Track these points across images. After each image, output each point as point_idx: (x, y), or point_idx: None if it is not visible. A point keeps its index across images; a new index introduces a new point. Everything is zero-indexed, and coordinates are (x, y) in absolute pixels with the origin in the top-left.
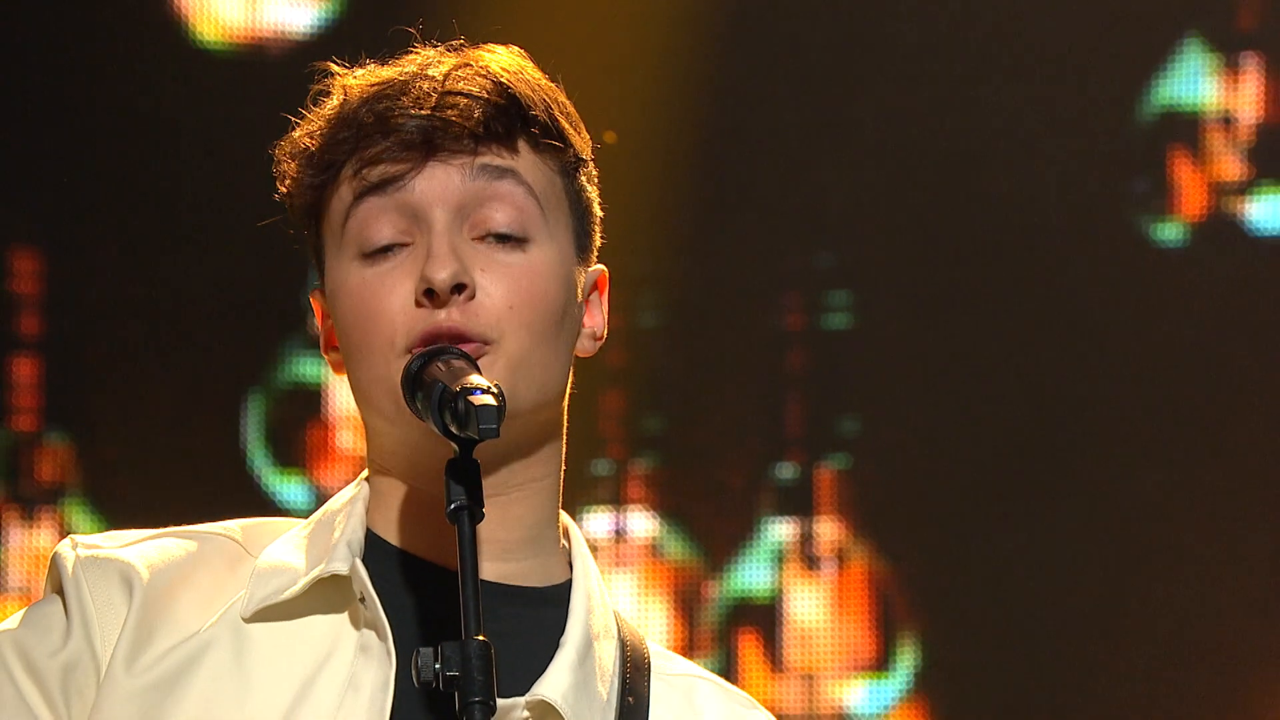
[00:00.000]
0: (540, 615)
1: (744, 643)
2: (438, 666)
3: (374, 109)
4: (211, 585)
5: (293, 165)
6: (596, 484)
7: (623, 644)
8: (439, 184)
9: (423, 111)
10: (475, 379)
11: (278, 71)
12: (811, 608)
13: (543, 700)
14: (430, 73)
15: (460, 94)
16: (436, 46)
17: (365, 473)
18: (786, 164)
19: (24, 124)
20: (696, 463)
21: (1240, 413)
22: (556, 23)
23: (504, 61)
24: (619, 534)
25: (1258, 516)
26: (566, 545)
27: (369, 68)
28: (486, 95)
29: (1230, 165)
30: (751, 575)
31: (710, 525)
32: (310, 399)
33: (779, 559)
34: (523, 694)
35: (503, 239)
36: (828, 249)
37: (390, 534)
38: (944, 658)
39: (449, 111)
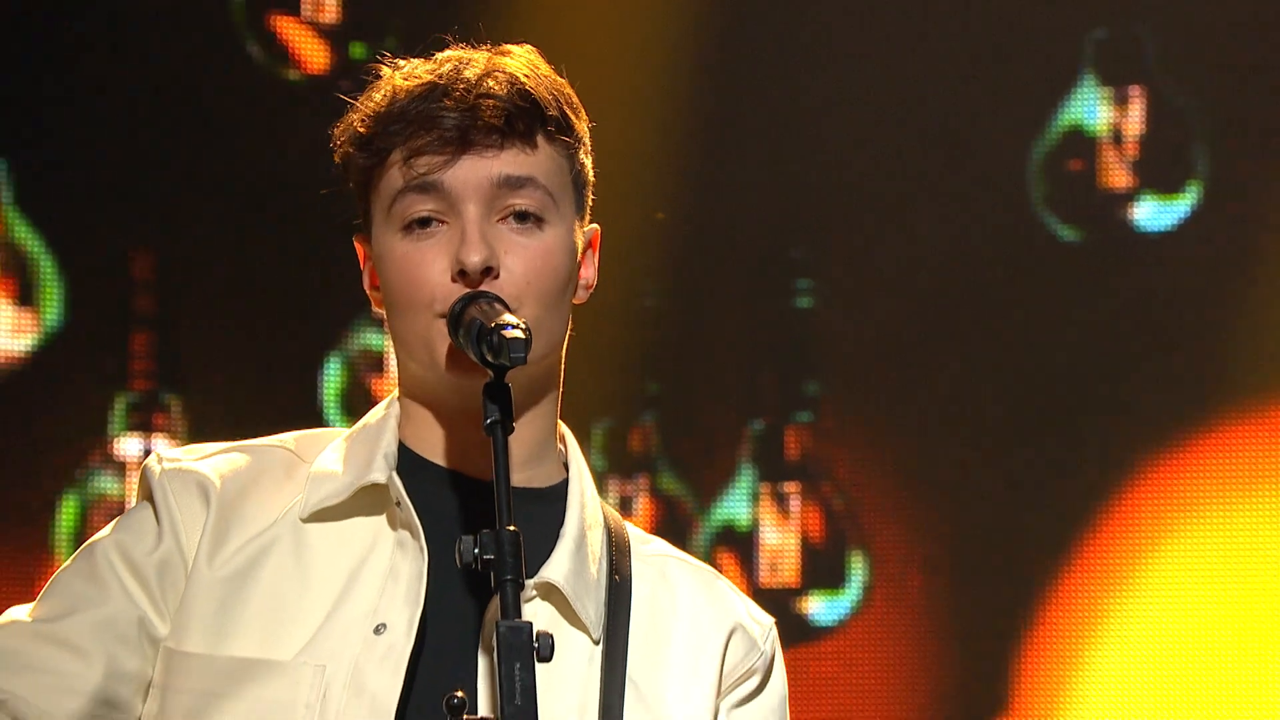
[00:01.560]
0: (542, 511)
1: (725, 564)
2: (476, 551)
3: (419, 107)
4: (272, 489)
5: (348, 144)
6: (607, 435)
7: (608, 531)
8: (472, 175)
9: (459, 112)
10: (507, 317)
11: (333, 99)
12: (780, 536)
13: (547, 582)
14: (465, 74)
15: (490, 96)
16: (466, 46)
17: (395, 393)
18: (764, 178)
19: (142, 151)
20: (688, 419)
21: (1124, 370)
22: (558, 34)
23: (524, 65)
24: (627, 475)
25: (1150, 463)
26: (564, 450)
27: (412, 64)
28: (511, 98)
29: (1119, 176)
30: (732, 509)
31: (699, 469)
32: (375, 362)
33: (754, 497)
34: (530, 577)
35: (522, 219)
36: (796, 245)
37: (419, 447)
38: (889, 576)
39: (481, 112)
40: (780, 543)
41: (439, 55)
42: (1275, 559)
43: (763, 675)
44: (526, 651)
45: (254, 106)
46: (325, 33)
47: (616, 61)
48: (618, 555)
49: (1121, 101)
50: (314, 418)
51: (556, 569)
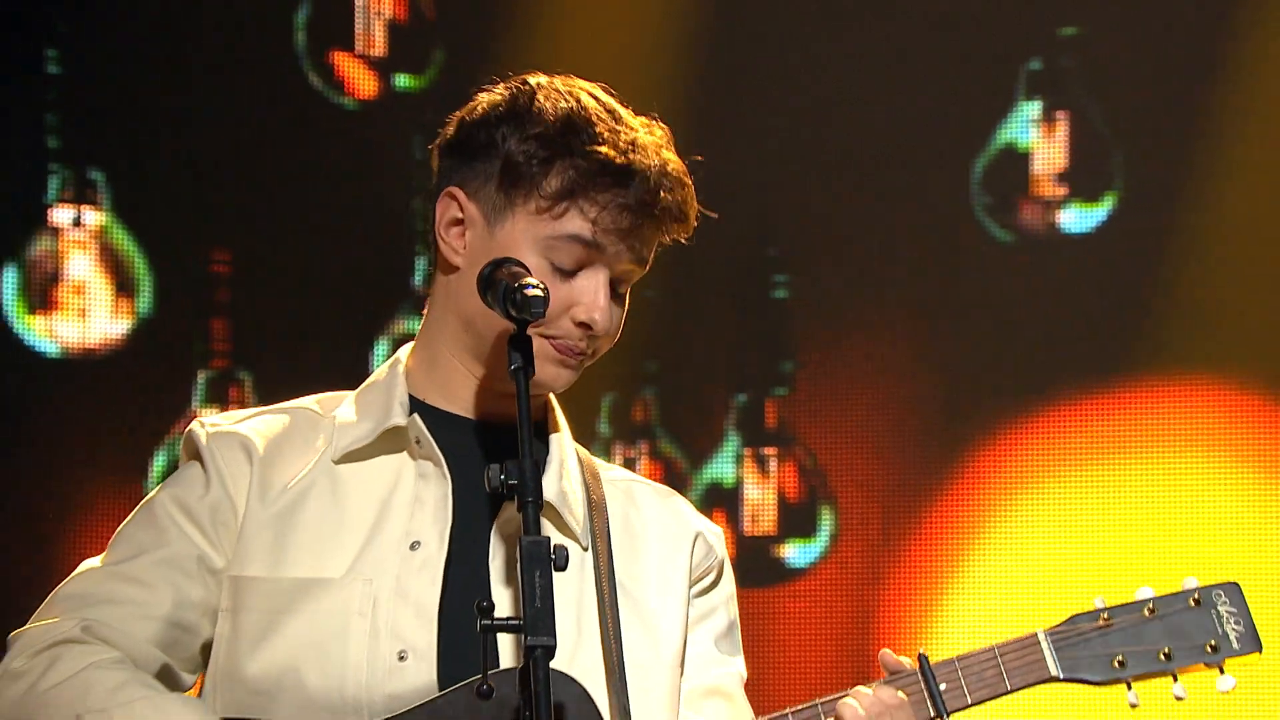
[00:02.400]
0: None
1: (714, 517)
2: (502, 477)
3: (626, 190)
4: (303, 442)
5: (533, 143)
6: (612, 407)
7: (580, 460)
8: (622, 259)
9: (643, 211)
10: (528, 279)
11: (391, 119)
12: (761, 493)
13: (545, 501)
14: (662, 181)
15: (668, 192)
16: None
17: (397, 355)
18: (746, 190)
19: (219, 164)
20: (681, 393)
21: (1046, 350)
22: (565, 50)
23: (683, 171)
24: (630, 441)
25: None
26: (548, 397)
27: (621, 124)
28: (677, 209)
29: (1047, 187)
30: (719, 470)
31: (691, 435)
32: None
33: (738, 459)
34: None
35: (619, 292)
36: (774, 246)
37: (426, 396)
38: (851, 526)
39: (658, 219)
40: (760, 498)
41: (632, 132)
42: (1111, 518)
43: (718, 571)
44: (545, 561)
45: (314, 127)
46: (373, 64)
47: (616, 72)
48: (591, 479)
49: (1050, 123)
50: None
51: (548, 488)
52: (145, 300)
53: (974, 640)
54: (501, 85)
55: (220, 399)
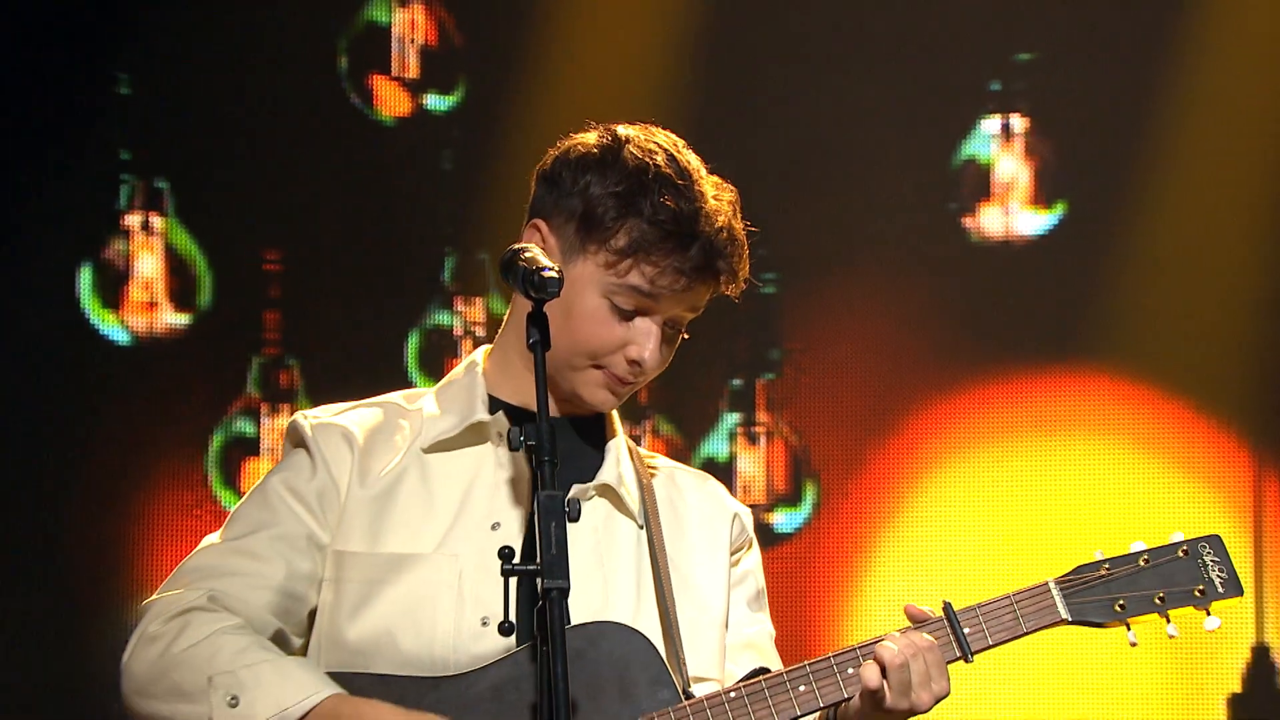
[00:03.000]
0: (592, 429)
1: None
2: (522, 438)
3: (680, 256)
4: (394, 432)
5: (612, 201)
6: (634, 411)
7: (629, 449)
8: (676, 307)
9: (698, 270)
10: (544, 261)
11: (422, 135)
12: (752, 466)
13: (604, 483)
14: (714, 257)
15: (724, 260)
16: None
17: (473, 357)
18: (740, 196)
19: (271, 174)
20: (681, 378)
21: (999, 332)
22: (580, 82)
23: (739, 231)
24: (635, 421)
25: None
26: None
27: (671, 176)
28: (729, 273)
29: (1005, 194)
30: (715, 446)
31: (690, 415)
32: (446, 338)
33: (732, 436)
34: (589, 482)
35: (675, 329)
36: (763, 247)
37: (502, 394)
38: (831, 496)
39: (712, 277)
40: (752, 471)
41: (699, 190)
42: (1033, 488)
43: (749, 545)
44: (560, 514)
45: (354, 141)
46: (407, 85)
47: (619, 101)
48: (640, 465)
49: (1008, 138)
50: (400, 376)
51: (608, 473)
52: (205, 295)
53: (940, 586)
54: (596, 131)
55: (271, 383)
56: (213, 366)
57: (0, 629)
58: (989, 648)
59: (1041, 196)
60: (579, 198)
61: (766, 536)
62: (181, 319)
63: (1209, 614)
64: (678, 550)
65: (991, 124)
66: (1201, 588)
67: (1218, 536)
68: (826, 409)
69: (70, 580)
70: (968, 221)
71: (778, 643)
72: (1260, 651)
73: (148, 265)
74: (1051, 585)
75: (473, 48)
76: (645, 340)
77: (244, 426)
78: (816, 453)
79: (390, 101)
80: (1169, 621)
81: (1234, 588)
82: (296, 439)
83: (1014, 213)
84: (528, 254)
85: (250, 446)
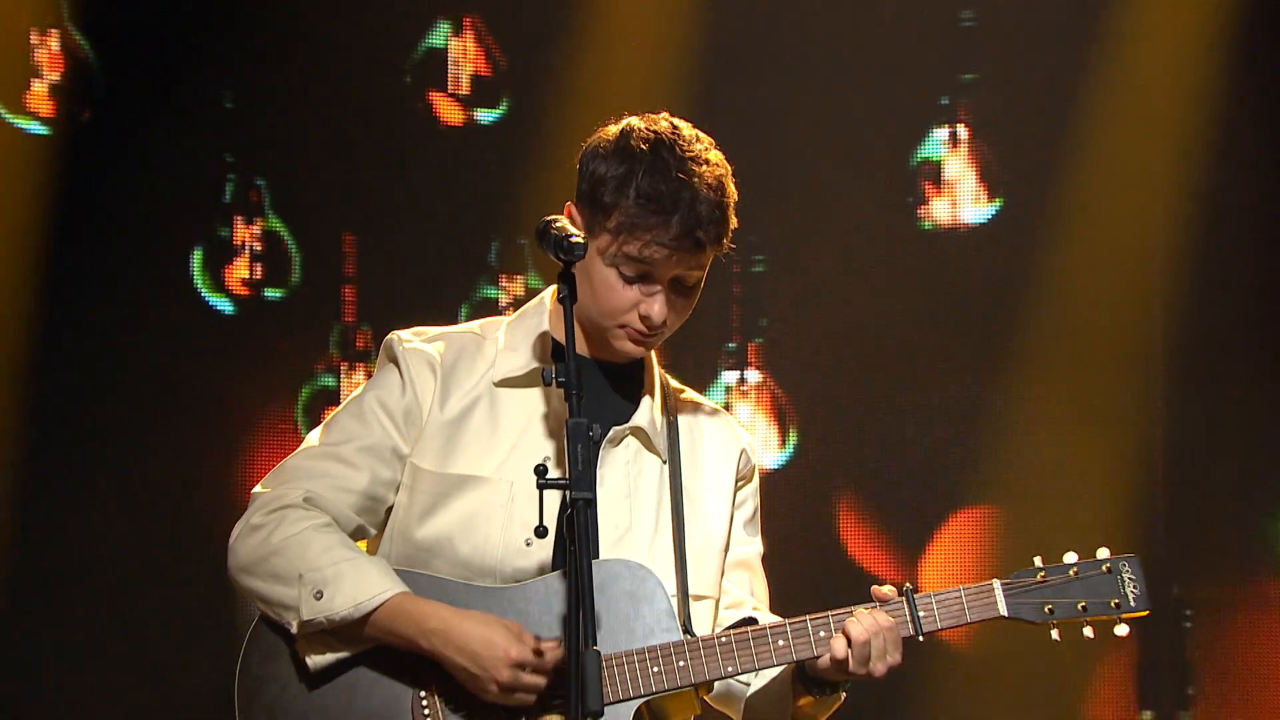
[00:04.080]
0: (630, 376)
1: None
2: (555, 375)
3: (667, 221)
4: (471, 361)
5: (615, 186)
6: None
7: (664, 389)
8: (670, 271)
9: (684, 236)
10: (571, 229)
11: (472, 142)
12: (745, 415)
13: (637, 426)
14: (699, 211)
15: (708, 224)
16: (682, 130)
17: (543, 296)
18: (749, 226)
19: (348, 171)
20: (686, 342)
21: (949, 308)
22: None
23: (727, 194)
24: None
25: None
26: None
27: (665, 153)
28: (714, 232)
29: (953, 190)
30: (714, 398)
31: (693, 374)
32: (492, 308)
33: (728, 390)
34: (623, 424)
35: (684, 290)
36: (753, 234)
37: (559, 335)
38: (809, 439)
39: (696, 241)
40: (744, 419)
41: (683, 160)
42: (968, 419)
43: (751, 473)
44: (585, 437)
45: (416, 146)
46: (460, 100)
47: (632, 93)
48: (672, 402)
49: (955, 144)
50: None
51: (642, 417)
52: (295, 273)
53: (893, 511)
54: (616, 123)
55: (348, 345)
56: (301, 332)
57: (150, 542)
58: (937, 630)
59: (983, 191)
60: (588, 182)
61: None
62: (275, 293)
63: (1120, 621)
64: (693, 481)
65: (941, 132)
66: (1117, 601)
67: (1136, 557)
68: (806, 367)
69: (197, 504)
70: (922, 211)
71: (768, 559)
72: (1158, 565)
73: (248, 248)
74: (996, 585)
75: (514, 71)
76: (651, 301)
77: (326, 381)
78: (799, 404)
79: (446, 113)
80: (1087, 625)
81: (1143, 603)
82: (391, 356)
83: (960, 205)
84: (558, 224)
85: (331, 397)
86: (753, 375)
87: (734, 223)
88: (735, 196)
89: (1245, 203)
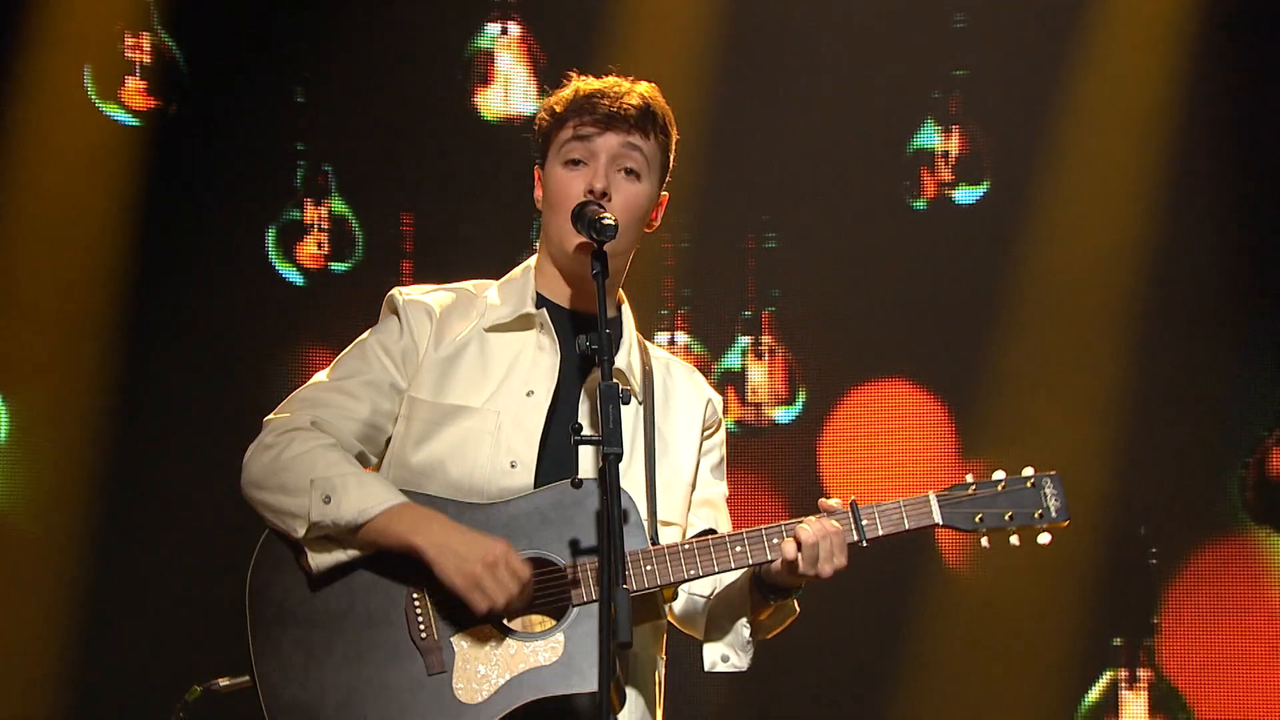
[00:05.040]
0: (611, 327)
1: (728, 392)
2: (587, 343)
3: (589, 100)
4: (464, 312)
5: (545, 113)
6: (661, 319)
7: (639, 343)
8: (607, 142)
9: (610, 107)
10: (605, 213)
11: (513, 131)
12: (759, 375)
13: (617, 368)
14: (614, 91)
15: (628, 102)
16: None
17: (530, 260)
18: (747, 177)
19: (406, 159)
20: (706, 309)
21: (938, 276)
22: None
23: (649, 90)
24: (671, 342)
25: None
26: (621, 299)
27: (587, 78)
28: (639, 106)
29: (946, 174)
30: (732, 361)
31: (713, 338)
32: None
33: (744, 353)
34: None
35: (629, 173)
36: (766, 214)
37: (547, 292)
38: (816, 396)
39: (622, 110)
40: (758, 379)
41: (606, 78)
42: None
43: (718, 424)
44: (616, 399)
45: (465, 136)
46: (502, 96)
47: (660, 74)
48: (645, 354)
49: (947, 132)
50: None
51: (620, 360)
52: (359, 249)
53: (884, 457)
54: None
55: None
56: (363, 301)
57: (225, 499)
58: (880, 537)
59: (972, 176)
60: (537, 127)
61: (770, 427)
62: (341, 266)
63: (1043, 531)
64: (665, 422)
65: (934, 122)
66: (1040, 512)
67: (1057, 474)
68: (814, 332)
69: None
70: (919, 193)
71: (777, 500)
72: (1128, 501)
73: (316, 227)
74: (931, 497)
75: (551, 69)
76: (595, 172)
77: None
78: (806, 365)
79: (490, 106)
80: (1014, 533)
81: (1064, 515)
82: (392, 307)
83: (952, 187)
84: (592, 207)
85: None
86: (766, 340)
87: (671, 130)
88: (666, 106)
89: (1209, 189)
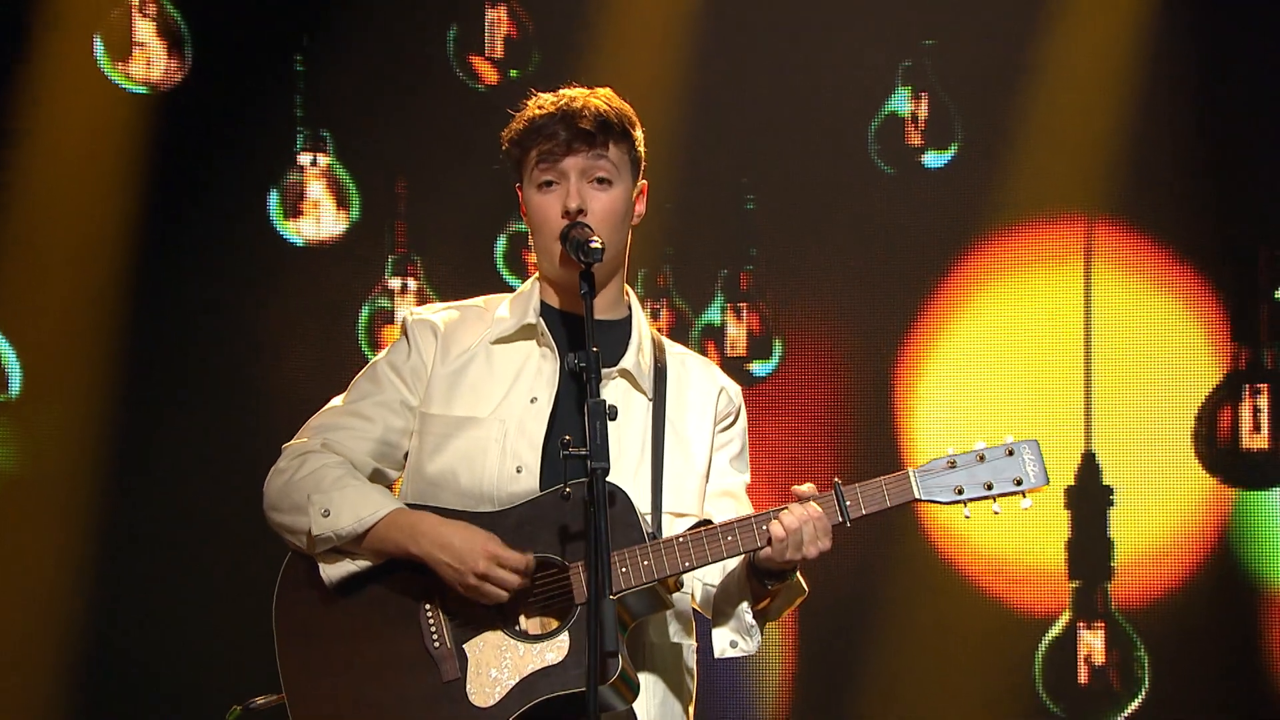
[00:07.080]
0: (617, 330)
1: (709, 346)
2: (575, 360)
3: (547, 125)
4: (472, 326)
5: (509, 142)
6: (645, 278)
7: (653, 341)
8: (574, 162)
9: (568, 130)
10: (591, 234)
11: (506, 98)
12: (737, 330)
13: (623, 368)
14: (573, 107)
15: (585, 120)
16: (574, 86)
17: (534, 278)
18: (728, 145)
19: (412, 127)
20: (687, 268)
21: (912, 235)
22: (608, 57)
23: (603, 99)
24: (655, 298)
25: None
26: (628, 300)
27: (542, 98)
28: (595, 121)
29: (915, 138)
30: (711, 316)
31: (694, 294)
32: (524, 241)
33: (723, 309)
34: (613, 366)
35: (601, 182)
36: (745, 177)
37: (551, 301)
38: (792, 351)
39: (580, 131)
40: (737, 333)
41: (560, 92)
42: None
43: (735, 414)
44: (603, 415)
45: (458, 103)
46: (495, 63)
47: (647, 69)
48: (659, 352)
49: (917, 99)
50: (491, 268)
51: (628, 360)
52: (355, 211)
53: (859, 409)
54: None
55: (402, 273)
56: (361, 261)
57: (226, 449)
58: (863, 516)
59: (941, 140)
60: (505, 153)
61: (747, 380)
62: (339, 227)
63: (1024, 497)
64: (677, 413)
65: (905, 89)
66: (1019, 478)
67: (1036, 441)
68: (788, 289)
69: (270, 417)
70: (890, 157)
71: (755, 456)
72: (1087, 456)
73: (315, 190)
74: (911, 473)
75: (542, 34)
76: (568, 192)
77: (383, 303)
78: (783, 320)
79: (483, 74)
80: (994, 501)
81: (1042, 478)
82: (403, 330)
83: (921, 152)
84: (577, 230)
85: (387, 317)
86: (743, 297)
87: (634, 130)
88: (626, 108)
89: (1171, 149)
